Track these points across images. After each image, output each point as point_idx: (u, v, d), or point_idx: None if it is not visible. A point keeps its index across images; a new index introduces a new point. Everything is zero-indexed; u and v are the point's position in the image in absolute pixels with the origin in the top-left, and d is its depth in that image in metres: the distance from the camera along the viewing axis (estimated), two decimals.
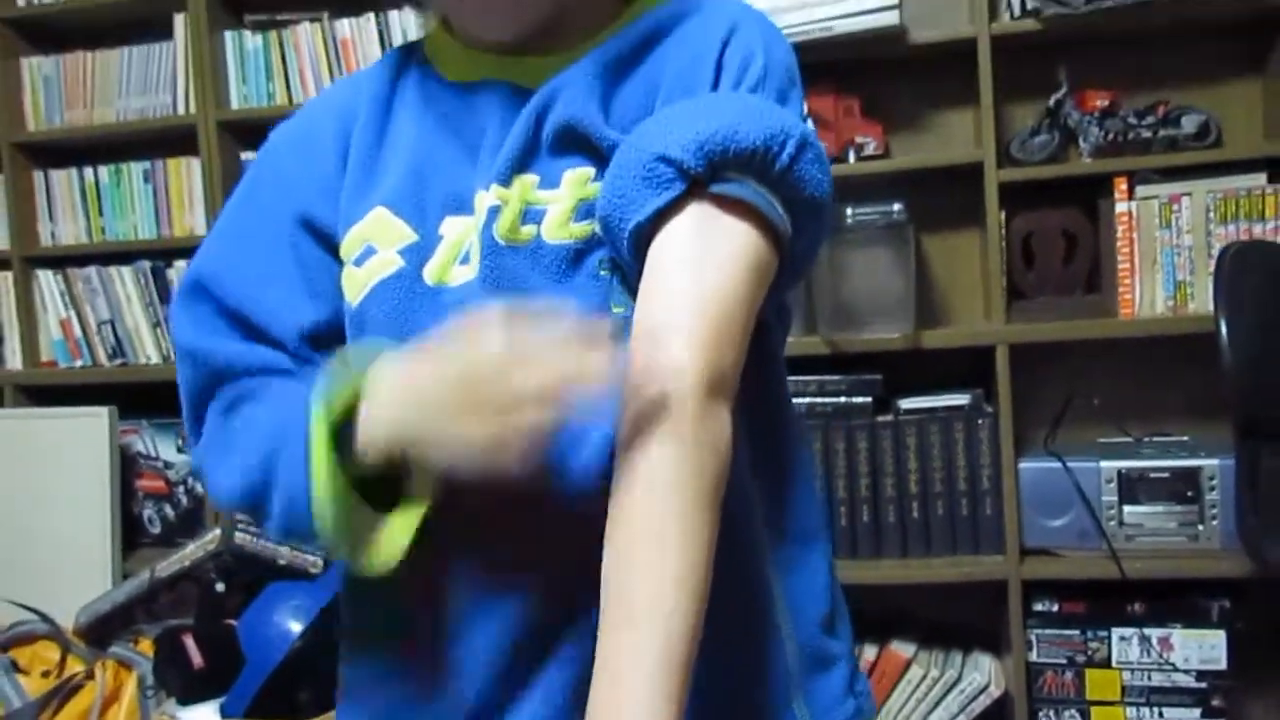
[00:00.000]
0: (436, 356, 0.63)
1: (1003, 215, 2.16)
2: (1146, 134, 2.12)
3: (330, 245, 0.78)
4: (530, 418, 0.58)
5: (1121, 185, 2.09)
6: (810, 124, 0.72)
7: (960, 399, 2.19)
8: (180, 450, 2.61)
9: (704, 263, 0.65)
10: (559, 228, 0.71)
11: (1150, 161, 2.10)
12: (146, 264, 2.60)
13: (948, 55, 2.24)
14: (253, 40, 2.54)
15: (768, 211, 0.67)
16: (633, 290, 0.68)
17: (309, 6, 2.53)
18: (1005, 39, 2.13)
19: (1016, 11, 2.14)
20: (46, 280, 2.66)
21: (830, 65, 2.20)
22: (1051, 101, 2.18)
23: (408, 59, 0.84)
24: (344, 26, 2.49)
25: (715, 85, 0.72)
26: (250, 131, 2.59)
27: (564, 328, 0.60)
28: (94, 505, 2.47)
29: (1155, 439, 2.21)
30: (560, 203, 0.71)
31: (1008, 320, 2.18)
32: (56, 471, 2.50)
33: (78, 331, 2.65)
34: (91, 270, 2.63)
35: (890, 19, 2.08)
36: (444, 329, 0.64)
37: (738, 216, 0.66)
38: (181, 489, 2.62)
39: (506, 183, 0.72)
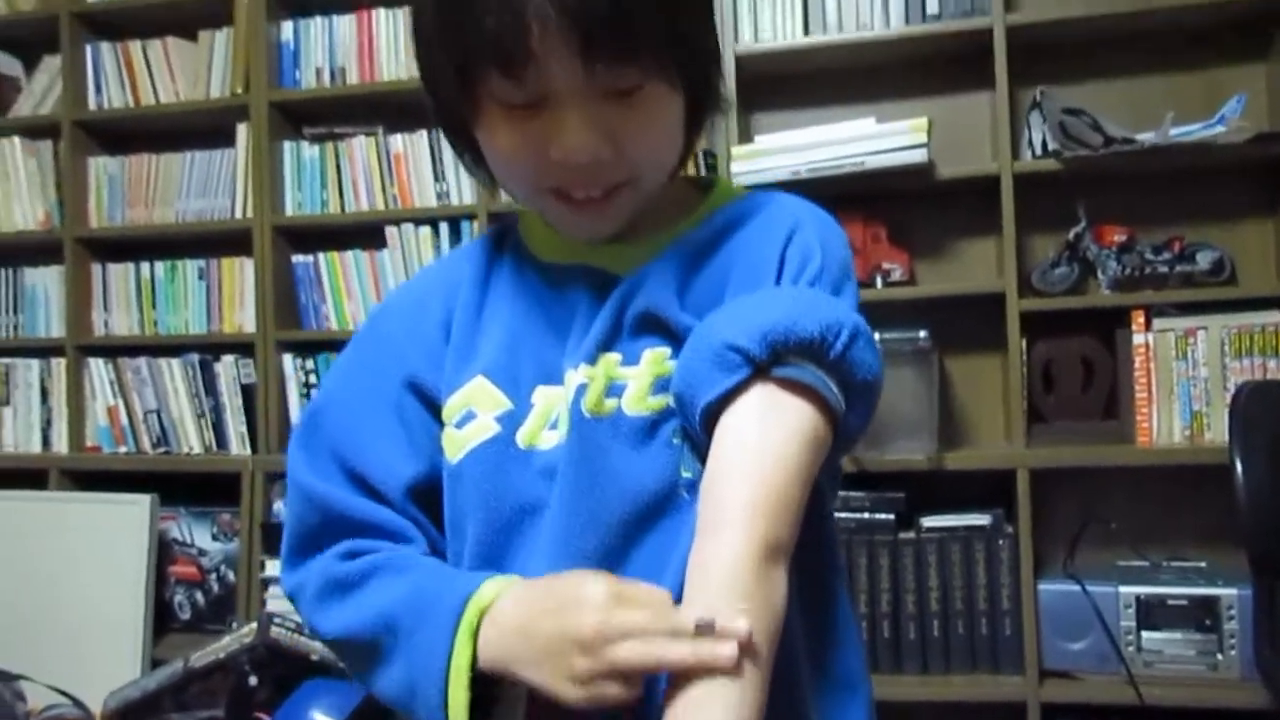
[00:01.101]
0: (546, 606, 0.70)
1: (1024, 342, 2.24)
2: (1163, 269, 2.21)
3: (432, 407, 0.87)
4: (617, 693, 0.67)
5: (1139, 317, 2.17)
6: (863, 319, 0.80)
7: (981, 519, 2.24)
8: (215, 539, 2.67)
9: (765, 438, 0.73)
10: (638, 401, 0.79)
11: (1167, 296, 2.18)
12: (195, 357, 2.70)
13: (972, 188, 2.35)
14: (310, 151, 2.67)
15: (824, 392, 0.74)
16: (702, 457, 0.77)
17: (365, 121, 2.66)
18: (1027, 176, 2.23)
19: (1038, 151, 2.25)
20: (97, 368, 2.76)
21: (859, 194, 2.31)
22: (1071, 235, 2.28)
23: (504, 238, 0.94)
24: (397, 141, 2.62)
25: (778, 279, 0.81)
26: (302, 235, 2.71)
27: (658, 602, 0.68)
28: (128, 591, 2.52)
29: (1173, 564, 2.25)
30: (639, 379, 0.80)
31: (1028, 444, 2.24)
32: (94, 555, 2.56)
33: (124, 419, 2.74)
34: (141, 361, 2.73)
35: (919, 156, 2.18)
36: (554, 579, 0.73)
37: (797, 397, 0.74)
38: (214, 576, 2.67)
39: (593, 361, 0.81)
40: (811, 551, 0.81)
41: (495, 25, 0.70)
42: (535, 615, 0.70)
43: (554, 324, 0.85)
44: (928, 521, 2.27)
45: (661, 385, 0.79)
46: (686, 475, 0.78)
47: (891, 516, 2.28)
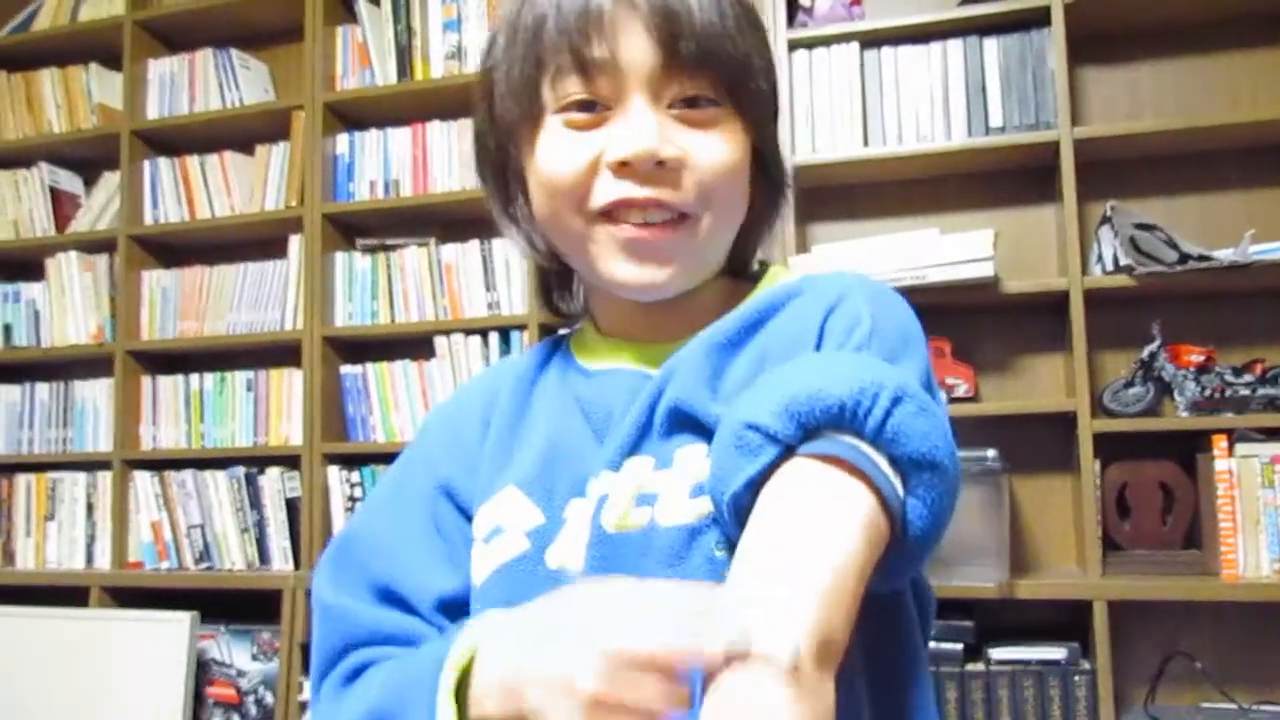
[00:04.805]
0: (533, 675, 0.57)
1: (1097, 465, 2.13)
2: (1244, 391, 2.10)
3: (468, 516, 0.80)
4: (642, 696, 0.52)
5: (1220, 442, 2.06)
6: (919, 386, 0.65)
7: (1056, 653, 2.12)
8: (254, 659, 2.59)
9: (802, 523, 0.59)
10: (674, 509, 0.69)
11: (1250, 421, 2.07)
12: (241, 470, 2.67)
13: (1039, 304, 2.27)
14: (362, 262, 2.66)
15: (863, 465, 0.60)
16: None
17: (417, 233, 2.65)
18: (1098, 292, 2.15)
19: (1108, 266, 2.17)
20: (143, 482, 2.73)
21: (921, 307, 2.23)
22: (1145, 354, 2.18)
23: (554, 349, 0.87)
24: (449, 251, 2.60)
25: (818, 350, 0.70)
26: (351, 346, 2.69)
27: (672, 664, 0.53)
28: (165, 712, 2.45)
29: (1262, 708, 2.10)
30: (674, 483, 0.70)
31: (1104, 573, 2.12)
32: (132, 675, 2.50)
33: (167, 534, 2.70)
34: (187, 474, 2.70)
35: (985, 270, 2.12)
36: (545, 617, 0.60)
37: (831, 472, 0.60)
38: (251, 699, 2.59)
39: (617, 468, 0.72)
40: (891, 684, 0.70)
41: (576, 20, 0.72)
42: (522, 680, 0.57)
43: (593, 429, 0.77)
44: (997, 653, 2.14)
45: (699, 489, 0.68)
46: None
47: (959, 646, 2.15)
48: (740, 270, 0.84)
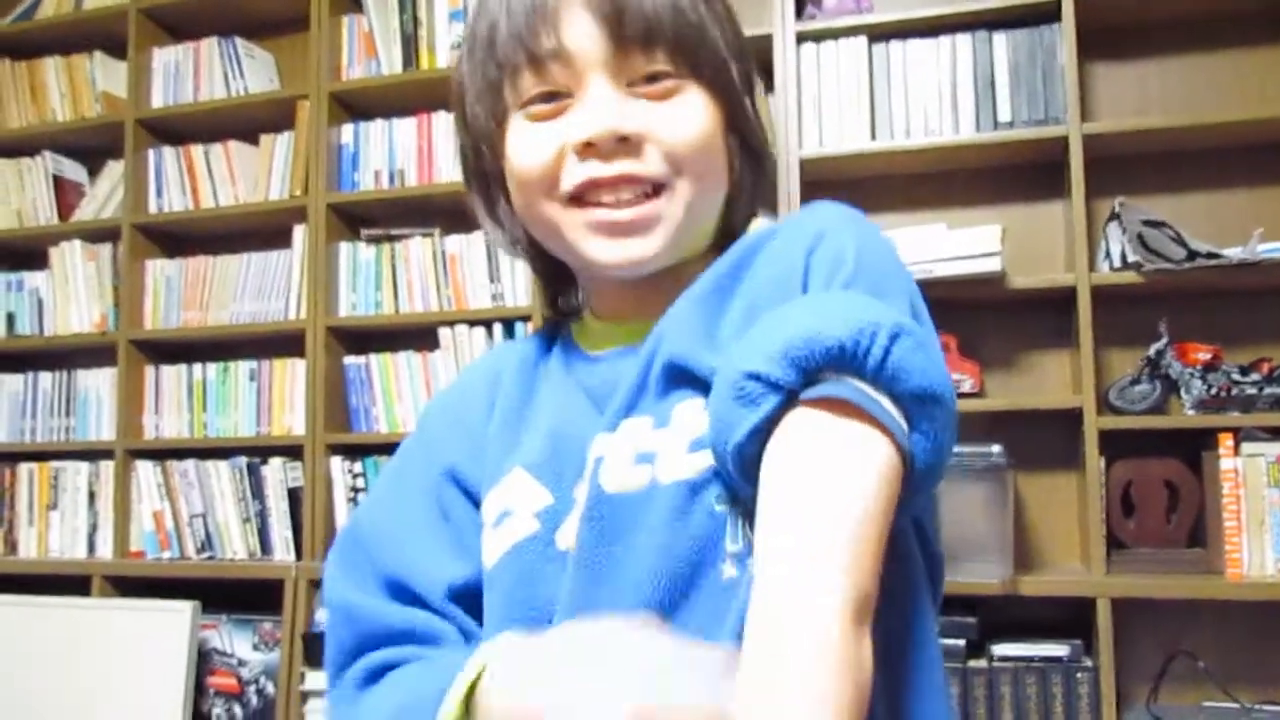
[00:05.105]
0: (573, 648, 0.58)
1: (1102, 462, 2.13)
2: (1251, 390, 2.10)
3: (476, 501, 0.79)
4: None
5: (1226, 441, 2.06)
6: (915, 324, 0.65)
7: (1059, 650, 2.11)
8: (256, 649, 2.59)
9: (819, 474, 0.59)
10: (673, 464, 0.68)
11: (1257, 420, 2.07)
12: (243, 460, 2.66)
13: (1046, 300, 2.26)
14: (366, 252, 2.65)
15: (870, 408, 0.60)
16: (751, 522, 0.64)
17: (422, 223, 2.64)
18: (1105, 289, 2.14)
19: (1116, 263, 2.16)
20: (145, 472, 2.72)
21: (927, 302, 2.22)
22: (1152, 351, 2.17)
23: (554, 335, 0.87)
24: (453, 242, 2.59)
25: (805, 290, 0.69)
26: (355, 337, 2.69)
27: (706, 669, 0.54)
28: (167, 702, 2.44)
29: (1265, 708, 2.09)
30: (674, 440, 0.69)
31: (1108, 571, 2.12)
32: (134, 664, 2.49)
33: (169, 524, 2.70)
34: (189, 464, 2.70)
35: (992, 265, 2.11)
36: (559, 658, 0.60)
37: (841, 419, 0.60)
38: (253, 689, 2.59)
39: (614, 429, 0.71)
40: (894, 614, 0.68)
41: (525, 18, 0.73)
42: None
43: (597, 410, 0.76)
44: (1000, 650, 2.14)
45: (699, 444, 0.67)
46: (732, 549, 0.65)
47: (961, 642, 2.15)
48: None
